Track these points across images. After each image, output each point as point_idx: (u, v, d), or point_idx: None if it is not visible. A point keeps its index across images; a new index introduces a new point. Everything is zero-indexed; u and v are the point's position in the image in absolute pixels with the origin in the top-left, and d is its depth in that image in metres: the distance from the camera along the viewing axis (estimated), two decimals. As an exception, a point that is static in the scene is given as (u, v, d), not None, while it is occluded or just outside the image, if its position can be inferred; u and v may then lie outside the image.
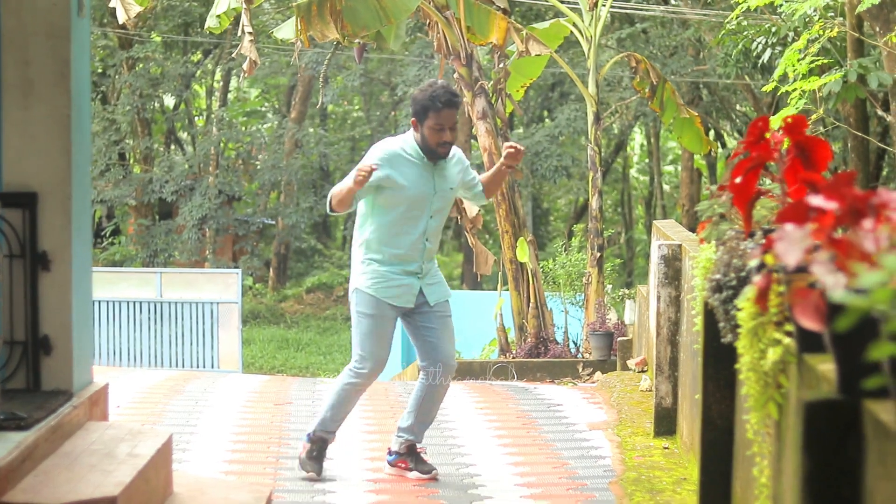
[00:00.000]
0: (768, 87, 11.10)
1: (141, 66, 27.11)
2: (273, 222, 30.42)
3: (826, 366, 2.61)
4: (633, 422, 7.59)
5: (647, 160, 35.41)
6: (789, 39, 12.38)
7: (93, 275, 5.09)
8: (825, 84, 9.88)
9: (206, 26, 12.02)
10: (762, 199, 3.60)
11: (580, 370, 11.26)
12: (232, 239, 29.08)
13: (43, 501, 3.62)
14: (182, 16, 27.35)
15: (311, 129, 30.98)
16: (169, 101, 30.46)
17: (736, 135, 26.01)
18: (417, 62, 25.25)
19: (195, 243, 26.75)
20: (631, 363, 9.95)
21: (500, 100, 12.29)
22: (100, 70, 27.64)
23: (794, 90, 10.09)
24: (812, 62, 10.20)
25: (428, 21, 12.33)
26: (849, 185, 2.43)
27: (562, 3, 14.07)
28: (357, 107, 35.54)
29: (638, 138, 36.05)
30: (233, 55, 16.04)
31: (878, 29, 10.47)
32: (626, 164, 35.57)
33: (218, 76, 31.53)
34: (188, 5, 27.06)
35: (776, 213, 3.41)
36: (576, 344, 12.33)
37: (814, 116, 10.18)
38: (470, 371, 11.18)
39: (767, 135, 3.44)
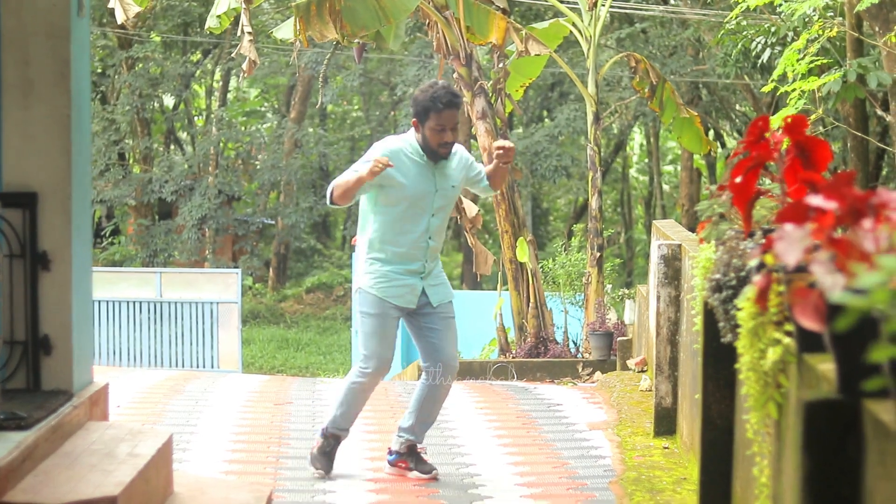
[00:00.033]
0: (767, 88, 11.11)
1: (140, 65, 27.11)
2: (273, 222, 30.43)
3: (826, 366, 2.61)
4: (633, 422, 7.59)
5: (646, 160, 35.42)
6: (789, 39, 12.38)
7: (93, 275, 5.09)
8: (824, 84, 9.88)
9: (206, 27, 12.02)
10: (762, 199, 3.60)
11: (580, 370, 11.26)
12: (232, 239, 29.09)
13: (43, 501, 3.63)
14: (181, 16, 27.34)
15: (311, 129, 30.98)
16: (168, 100, 30.46)
17: (735, 135, 26.01)
18: (417, 62, 25.25)
19: (195, 243, 26.75)
20: (631, 363, 9.95)
21: (499, 100, 12.29)
22: (99, 70, 27.63)
23: (794, 90, 10.09)
24: (811, 62, 10.20)
25: (427, 21, 12.33)
26: (848, 185, 2.44)
27: (561, 2, 14.07)
28: (356, 107, 35.54)
29: (637, 138, 36.05)
30: (232, 55, 16.04)
31: (877, 29, 10.47)
32: (625, 163, 35.56)
33: (217, 76, 31.52)
34: (187, 5, 27.06)
35: (776, 213, 3.41)
36: (576, 344, 12.33)
37: (813, 116, 10.17)
38: (470, 371, 11.18)
39: (767, 135, 3.44)
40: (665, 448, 6.72)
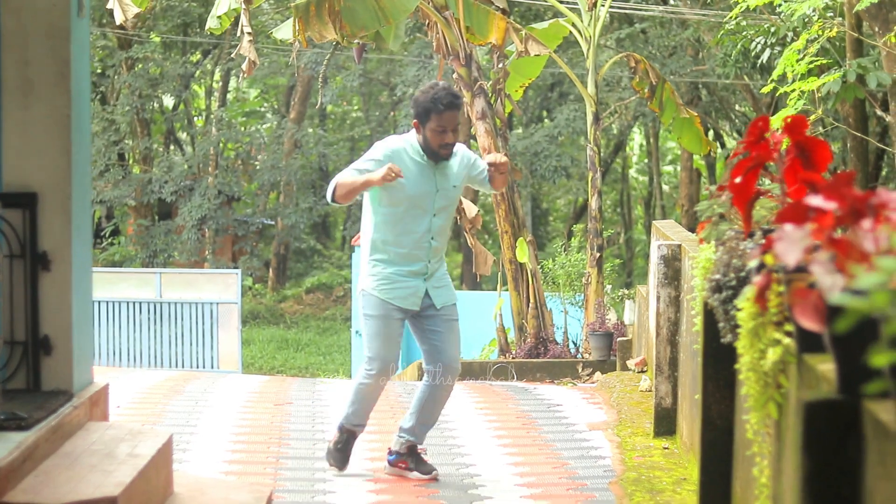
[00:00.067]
0: (767, 88, 11.11)
1: (140, 66, 27.11)
2: (272, 222, 30.43)
3: (826, 366, 2.61)
4: (632, 422, 7.60)
5: (646, 160, 35.42)
6: (788, 39, 12.38)
7: (93, 275, 5.09)
8: (824, 84, 9.88)
9: (206, 27, 12.02)
10: (762, 199, 3.60)
11: (580, 370, 11.26)
12: (231, 239, 29.09)
13: (43, 501, 3.63)
14: (181, 16, 27.35)
15: (311, 130, 30.98)
16: (168, 101, 30.46)
17: (735, 135, 26.01)
18: (416, 62, 25.25)
19: (195, 243, 26.76)
20: (631, 363, 9.95)
21: (499, 100, 12.29)
22: (99, 70, 27.63)
23: (793, 90, 10.09)
24: (811, 62, 10.20)
25: (427, 21, 12.33)
26: (848, 186, 2.44)
27: (561, 3, 14.07)
28: (356, 107, 35.55)
29: (637, 138, 36.05)
30: (232, 55, 16.04)
31: (877, 29, 10.47)
32: (625, 164, 35.56)
33: (217, 76, 31.53)
34: (187, 6, 27.06)
35: (776, 213, 3.41)
36: (575, 344, 12.33)
37: (813, 117, 10.17)
38: (470, 371, 11.18)
39: (767, 135, 3.45)
40: (665, 448, 6.72)
